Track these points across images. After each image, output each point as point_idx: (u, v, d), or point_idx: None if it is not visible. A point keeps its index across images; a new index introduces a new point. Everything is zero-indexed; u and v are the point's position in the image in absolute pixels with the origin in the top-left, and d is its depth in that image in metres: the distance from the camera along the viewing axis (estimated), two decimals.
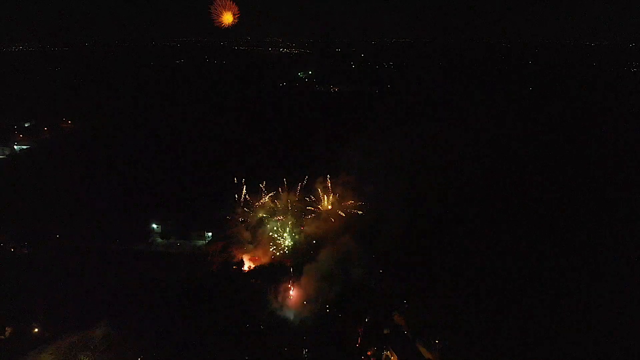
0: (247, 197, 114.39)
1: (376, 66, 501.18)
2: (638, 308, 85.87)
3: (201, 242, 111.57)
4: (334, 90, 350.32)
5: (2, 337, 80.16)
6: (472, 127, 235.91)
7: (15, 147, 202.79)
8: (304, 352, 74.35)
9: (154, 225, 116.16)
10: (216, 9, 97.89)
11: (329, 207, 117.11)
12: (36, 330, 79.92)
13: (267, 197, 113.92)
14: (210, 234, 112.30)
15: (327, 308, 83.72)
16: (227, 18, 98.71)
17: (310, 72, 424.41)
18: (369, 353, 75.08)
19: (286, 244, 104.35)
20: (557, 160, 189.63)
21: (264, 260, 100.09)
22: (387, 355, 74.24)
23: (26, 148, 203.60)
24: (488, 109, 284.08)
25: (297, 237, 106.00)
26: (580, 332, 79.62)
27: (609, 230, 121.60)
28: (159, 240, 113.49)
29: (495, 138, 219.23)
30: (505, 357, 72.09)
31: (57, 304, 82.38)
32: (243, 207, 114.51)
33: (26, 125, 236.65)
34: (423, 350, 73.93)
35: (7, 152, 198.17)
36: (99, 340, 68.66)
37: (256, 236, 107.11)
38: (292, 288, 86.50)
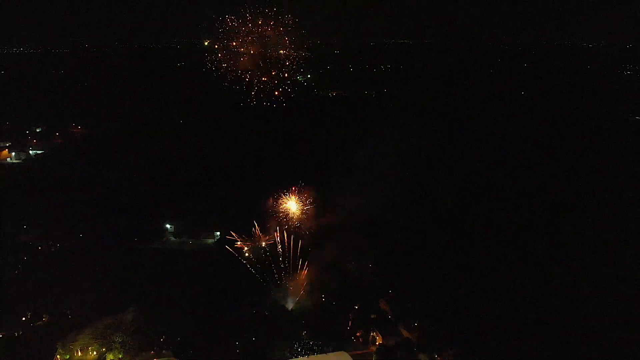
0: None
1: (374, 69, 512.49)
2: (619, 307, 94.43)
3: (210, 241, 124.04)
4: (332, 94, 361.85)
5: (40, 322, 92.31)
6: (469, 129, 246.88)
7: (30, 152, 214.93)
8: (304, 334, 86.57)
9: (167, 225, 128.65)
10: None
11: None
12: (70, 317, 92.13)
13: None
14: (218, 233, 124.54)
15: (323, 297, 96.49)
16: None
17: (309, 76, 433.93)
18: (357, 334, 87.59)
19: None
20: (552, 162, 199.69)
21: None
22: (373, 336, 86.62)
23: (40, 153, 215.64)
24: (486, 110, 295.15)
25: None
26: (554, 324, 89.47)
27: (600, 230, 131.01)
28: (172, 239, 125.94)
29: (493, 140, 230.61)
30: (472, 337, 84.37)
31: (87, 294, 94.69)
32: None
33: (38, 130, 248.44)
34: (404, 332, 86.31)
35: (22, 157, 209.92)
36: (129, 323, 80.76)
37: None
38: (294, 279, 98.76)
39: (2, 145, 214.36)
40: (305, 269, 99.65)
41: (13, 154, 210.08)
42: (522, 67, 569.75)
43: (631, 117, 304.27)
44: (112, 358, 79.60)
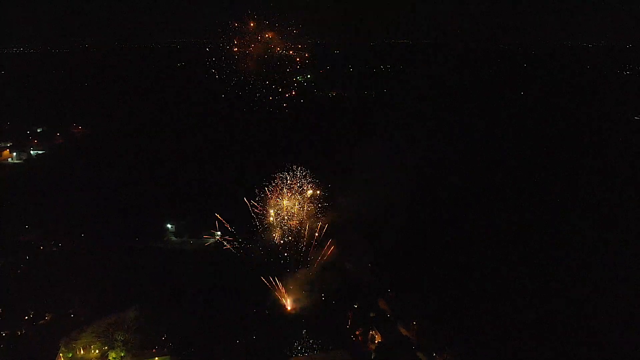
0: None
1: (373, 69, 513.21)
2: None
3: (211, 240, 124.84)
4: (332, 94, 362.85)
5: (42, 321, 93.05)
6: (469, 130, 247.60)
7: (31, 152, 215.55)
8: (303, 333, 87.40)
9: (169, 225, 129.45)
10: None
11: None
12: (72, 315, 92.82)
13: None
14: (219, 232, 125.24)
15: (323, 296, 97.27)
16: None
17: (308, 76, 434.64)
18: (357, 333, 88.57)
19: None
20: (552, 162, 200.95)
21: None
22: (372, 335, 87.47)
23: (42, 153, 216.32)
24: (486, 111, 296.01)
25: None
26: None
27: (600, 230, 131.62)
28: (173, 238, 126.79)
29: (492, 140, 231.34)
30: (470, 336, 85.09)
31: (89, 293, 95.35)
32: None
33: (38, 130, 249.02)
34: (402, 330, 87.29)
35: (24, 157, 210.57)
36: (131, 321, 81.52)
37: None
38: (294, 278, 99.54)
39: (3, 145, 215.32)
40: (306, 268, 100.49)
41: (14, 154, 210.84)
42: (522, 67, 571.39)
43: (631, 117, 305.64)
44: (114, 356, 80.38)
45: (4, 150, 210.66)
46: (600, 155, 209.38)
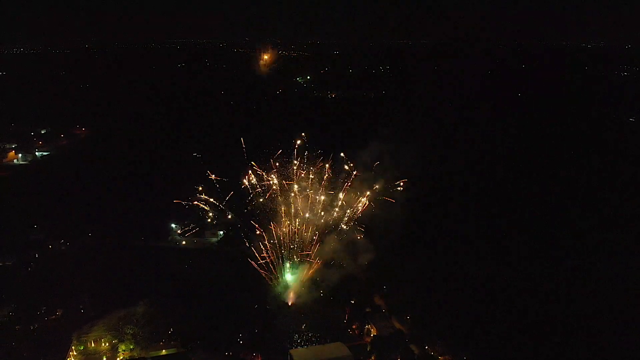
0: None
1: (373, 70, 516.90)
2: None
3: (214, 239, 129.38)
4: (331, 96, 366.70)
5: (53, 317, 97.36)
6: (468, 130, 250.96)
7: (36, 153, 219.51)
8: (303, 327, 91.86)
9: (173, 225, 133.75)
10: None
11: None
12: (83, 311, 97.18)
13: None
14: (221, 232, 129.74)
15: (322, 293, 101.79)
16: None
17: (308, 77, 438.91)
18: (354, 327, 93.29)
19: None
20: (549, 162, 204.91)
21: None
22: (368, 329, 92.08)
23: (46, 154, 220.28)
24: (485, 111, 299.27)
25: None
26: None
27: (599, 231, 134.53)
28: (178, 237, 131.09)
29: (491, 140, 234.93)
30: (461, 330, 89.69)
31: (99, 289, 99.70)
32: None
33: (42, 132, 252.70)
34: (396, 324, 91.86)
35: (29, 159, 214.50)
36: (140, 316, 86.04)
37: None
38: (295, 274, 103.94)
39: (8, 147, 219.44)
40: (307, 265, 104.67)
41: (20, 155, 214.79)
42: (521, 67, 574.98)
43: (625, 118, 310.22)
44: (123, 349, 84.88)
45: (9, 152, 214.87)
46: (598, 155, 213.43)
